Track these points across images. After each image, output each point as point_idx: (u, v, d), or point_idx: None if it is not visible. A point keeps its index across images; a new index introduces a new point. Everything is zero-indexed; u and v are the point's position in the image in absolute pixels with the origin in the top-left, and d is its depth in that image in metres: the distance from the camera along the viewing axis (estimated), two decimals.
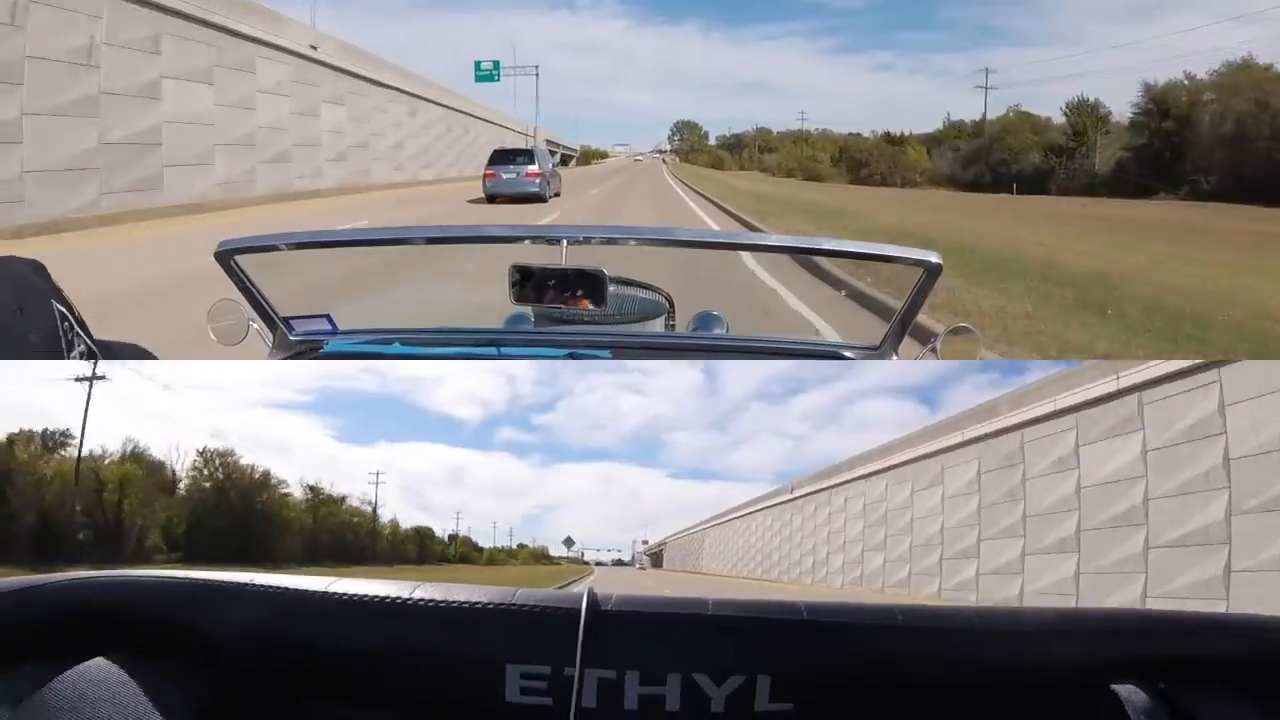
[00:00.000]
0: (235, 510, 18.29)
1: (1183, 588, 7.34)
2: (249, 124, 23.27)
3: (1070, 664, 0.68)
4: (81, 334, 1.00)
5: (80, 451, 14.27)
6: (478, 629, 0.65)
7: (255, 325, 1.75)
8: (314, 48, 27.81)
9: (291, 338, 1.78)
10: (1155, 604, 7.35)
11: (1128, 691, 0.66)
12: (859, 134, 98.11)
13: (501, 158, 25.88)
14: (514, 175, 24.73)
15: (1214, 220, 27.39)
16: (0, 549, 11.48)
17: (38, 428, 14.65)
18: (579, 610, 0.65)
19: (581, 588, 0.69)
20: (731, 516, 30.59)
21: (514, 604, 0.66)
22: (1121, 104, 65.45)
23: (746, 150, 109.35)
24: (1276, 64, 47.91)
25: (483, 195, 24.72)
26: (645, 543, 66.81)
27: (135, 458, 16.47)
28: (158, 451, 17.20)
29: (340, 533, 24.14)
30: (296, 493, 22.53)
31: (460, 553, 39.15)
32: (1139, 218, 28.36)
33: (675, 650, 0.65)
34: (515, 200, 23.70)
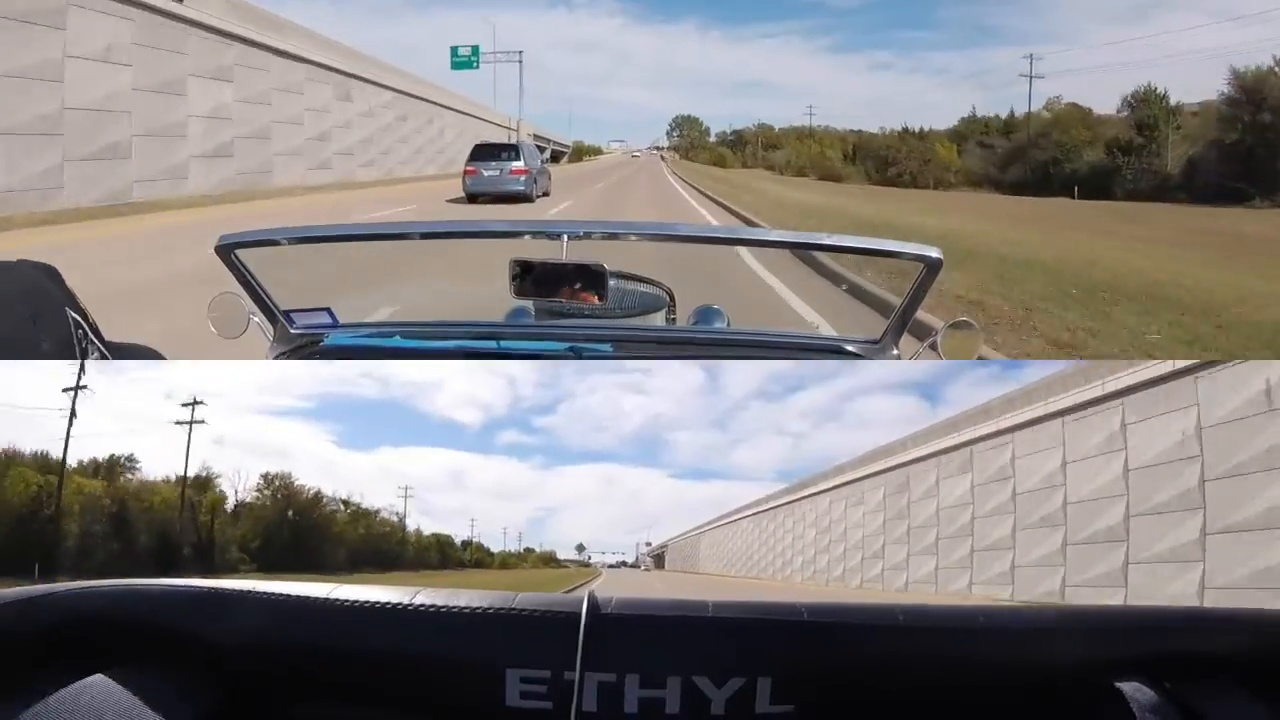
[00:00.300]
0: (295, 525, 21.54)
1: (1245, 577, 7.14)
2: (52, 103, 16.47)
3: (1074, 662, 0.67)
4: (94, 340, 0.99)
5: (185, 483, 17.90)
6: (478, 634, 0.65)
7: (256, 319, 1.75)
8: None
9: (292, 331, 1.78)
10: (1217, 596, 7.20)
11: (1133, 689, 0.65)
12: (860, 130, 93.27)
13: (483, 153, 24.05)
14: (497, 172, 23.02)
15: None
16: (129, 564, 14.29)
17: (143, 462, 18.33)
18: (579, 614, 0.64)
19: (586, 591, 0.68)
20: (723, 522, 33.48)
21: (514, 608, 0.66)
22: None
23: (749, 147, 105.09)
24: None
25: (458, 196, 23.02)
26: (649, 544, 68.37)
27: (207, 483, 19.40)
28: (227, 476, 20.42)
29: (376, 543, 26.78)
30: (338, 507, 25.32)
31: (475, 558, 40.49)
32: (1257, 233, 21.91)
33: (675, 653, 0.65)
34: (498, 200, 22.19)
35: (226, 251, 1.63)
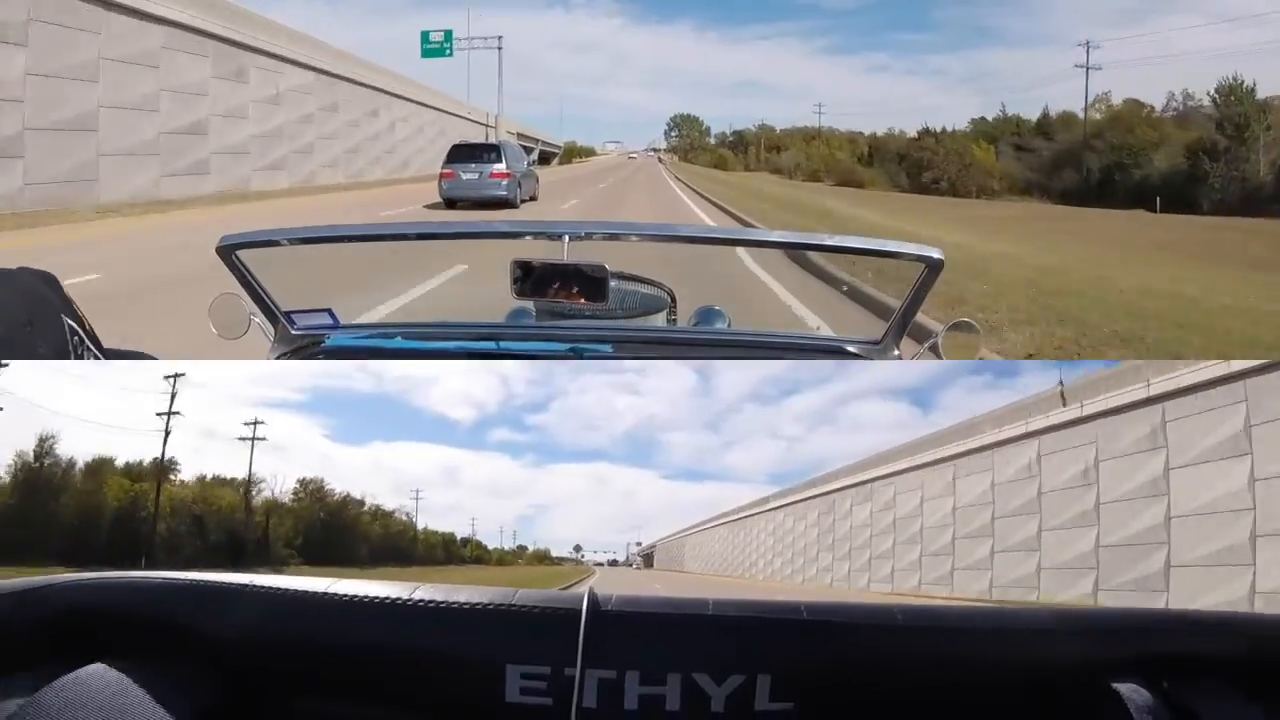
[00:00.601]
0: (326, 524, 24.49)
1: None
2: None
3: (1071, 662, 0.68)
4: (91, 346, 1.00)
5: (249, 489, 21.30)
6: (478, 630, 0.65)
7: (257, 320, 1.75)
8: None
9: (293, 332, 1.78)
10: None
11: (1129, 690, 0.65)
12: (860, 132, 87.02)
13: (462, 154, 22.00)
14: (476, 176, 21.07)
15: None
16: (209, 557, 16.87)
17: (211, 471, 21.28)
18: (579, 610, 0.65)
19: (585, 587, 0.69)
20: (705, 528, 37.39)
21: (514, 604, 0.66)
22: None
23: (752, 149, 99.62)
24: None
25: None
26: (639, 544, 70.29)
27: (258, 486, 22.35)
28: (268, 480, 23.01)
29: (393, 540, 29.18)
30: (361, 508, 28.04)
31: (474, 555, 42.06)
32: None
33: (675, 650, 0.65)
34: (478, 206, 20.52)
35: (228, 252, 1.63)
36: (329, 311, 1.82)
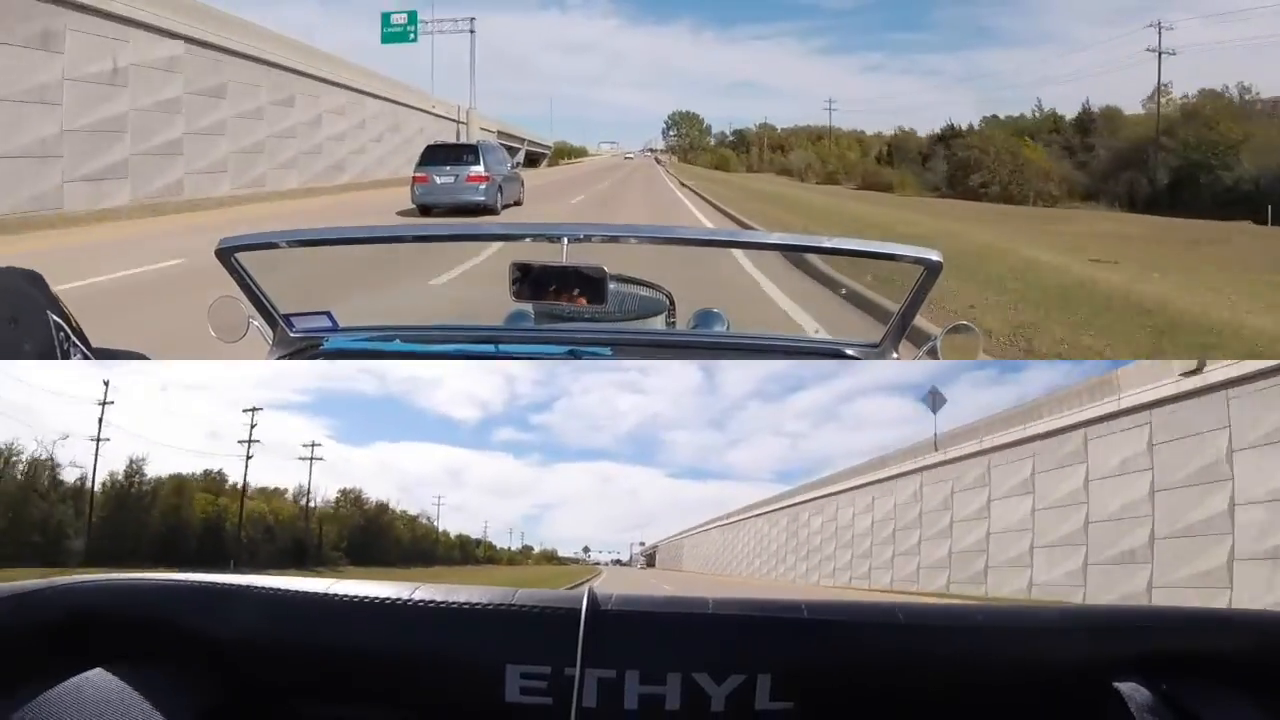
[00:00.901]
0: (366, 529, 26.97)
1: None
2: None
3: (1073, 661, 0.67)
4: (78, 343, 1.00)
5: (309, 500, 24.10)
6: (478, 630, 0.65)
7: (255, 322, 1.75)
8: None
9: (292, 335, 1.78)
10: None
11: (1130, 689, 0.65)
12: (862, 131, 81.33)
13: (436, 156, 19.83)
14: (451, 179, 18.99)
15: None
16: (278, 561, 18.81)
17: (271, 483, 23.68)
18: (579, 610, 0.64)
19: (593, 584, 0.69)
20: (701, 530, 40.12)
21: (514, 604, 0.66)
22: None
23: (754, 149, 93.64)
24: None
25: (406, 208, 19.17)
26: (642, 544, 71.35)
27: (302, 495, 24.73)
28: (316, 489, 25.29)
29: (419, 542, 31.84)
30: (393, 514, 30.58)
31: (487, 555, 43.43)
32: None
33: (675, 649, 0.65)
34: (456, 212, 18.30)
35: (227, 255, 1.63)
36: (328, 314, 1.82)
